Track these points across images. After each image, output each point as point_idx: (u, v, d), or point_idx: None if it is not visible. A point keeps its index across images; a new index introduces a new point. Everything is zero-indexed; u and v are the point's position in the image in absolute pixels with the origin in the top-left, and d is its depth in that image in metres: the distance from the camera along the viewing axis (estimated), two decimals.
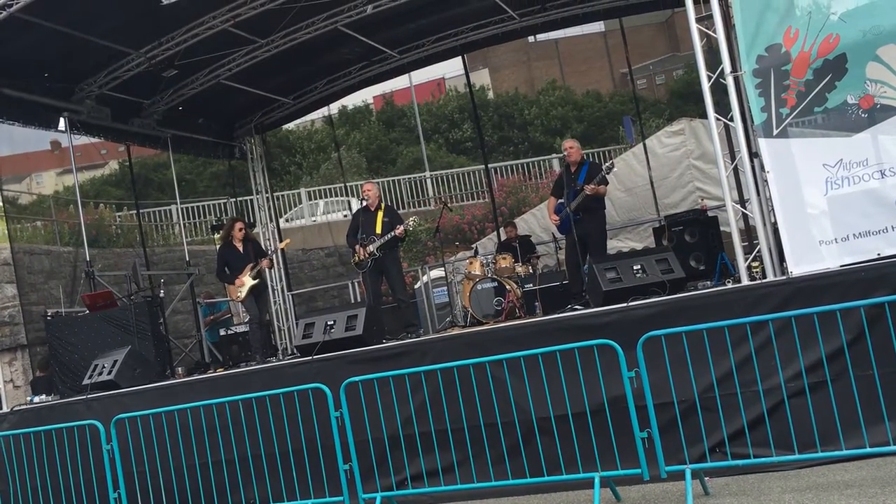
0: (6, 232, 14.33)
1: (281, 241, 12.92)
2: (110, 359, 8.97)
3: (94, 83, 11.24)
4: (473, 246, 13.65)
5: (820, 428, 5.70)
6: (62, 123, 11.54)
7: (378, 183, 11.12)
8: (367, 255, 9.53)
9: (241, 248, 10.08)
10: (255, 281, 9.93)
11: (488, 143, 27.68)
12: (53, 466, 7.77)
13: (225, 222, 11.57)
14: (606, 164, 9.39)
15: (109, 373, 8.76)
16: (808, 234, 6.60)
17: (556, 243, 11.30)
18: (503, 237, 12.81)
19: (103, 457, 7.13)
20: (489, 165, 17.42)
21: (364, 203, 9.85)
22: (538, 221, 14.08)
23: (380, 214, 9.65)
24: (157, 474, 7.42)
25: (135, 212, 16.77)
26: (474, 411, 6.66)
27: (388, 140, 30.90)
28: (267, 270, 11.12)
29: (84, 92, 11.31)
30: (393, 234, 9.43)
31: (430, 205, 21.46)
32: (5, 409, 8.91)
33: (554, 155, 23.50)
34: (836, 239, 6.54)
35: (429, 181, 22.81)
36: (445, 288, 12.92)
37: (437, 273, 13.40)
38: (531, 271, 10.68)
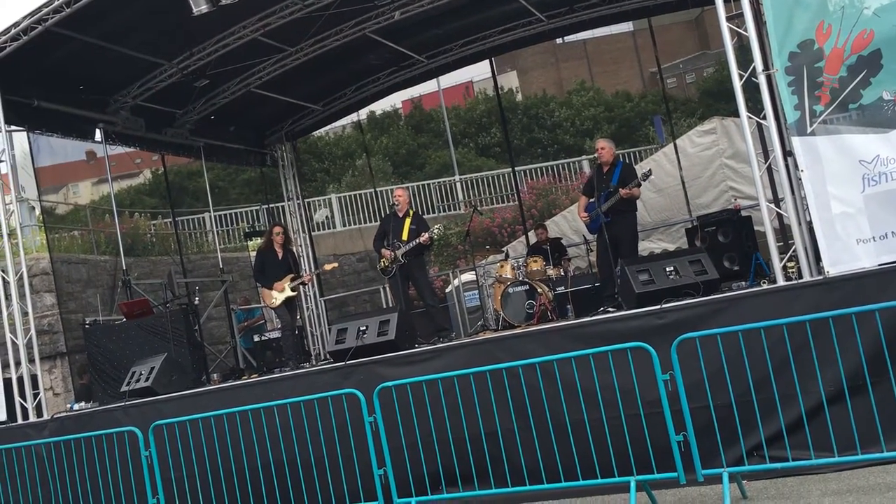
0: (45, 242, 14.60)
1: (315, 250, 13.01)
2: (147, 366, 9.10)
3: (128, 94, 11.43)
4: (504, 249, 13.63)
5: (860, 430, 5.60)
6: (98, 134, 11.75)
7: (408, 188, 11.22)
8: (391, 262, 9.60)
9: (279, 255, 10.19)
10: (294, 293, 10.07)
11: (518, 146, 27.59)
12: (93, 473, 7.88)
13: (258, 228, 11.72)
14: (644, 171, 9.31)
15: (147, 380, 8.88)
16: (844, 232, 6.50)
17: (587, 245, 11.25)
18: (534, 240, 12.77)
19: (142, 463, 7.24)
20: (517, 168, 17.39)
21: (395, 208, 9.93)
22: (569, 223, 14.03)
23: (407, 221, 9.74)
24: (195, 480, 7.50)
25: (170, 220, 17.01)
26: (507, 415, 6.65)
27: (417, 144, 30.95)
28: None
29: (119, 103, 11.50)
30: (418, 241, 9.48)
31: (459, 209, 21.46)
32: (46, 417, 9.07)
33: (584, 157, 23.37)
34: (873, 237, 6.43)
35: (458, 185, 22.81)
36: (476, 292, 12.90)
37: (468, 277, 13.40)
38: (563, 274, 10.63)
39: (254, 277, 10.83)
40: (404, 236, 9.61)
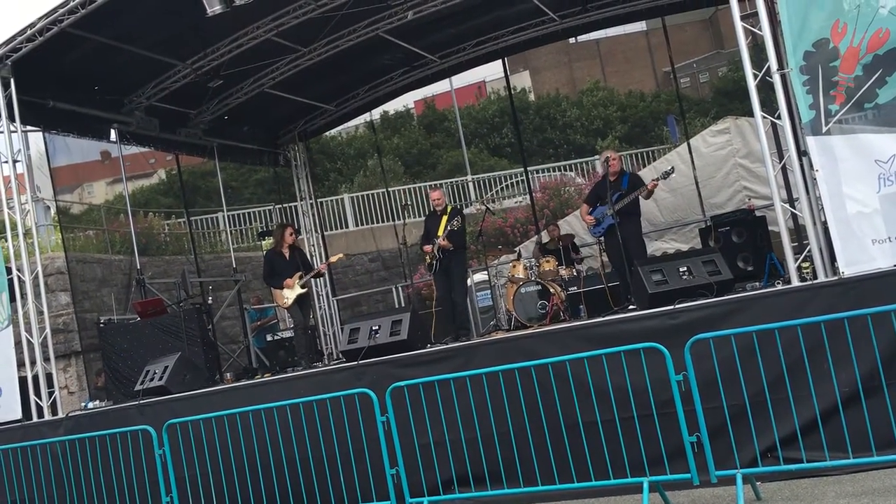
0: (60, 241, 14.71)
1: (327, 250, 13.02)
2: (161, 365, 9.14)
3: (142, 95, 11.48)
4: (516, 249, 13.61)
5: (875, 431, 5.56)
6: (113, 134, 11.81)
7: (442, 186, 11.45)
8: (431, 258, 9.91)
9: (287, 255, 10.22)
10: (304, 290, 10.10)
11: (530, 146, 27.57)
12: (108, 471, 7.94)
13: (271, 228, 11.74)
14: (666, 169, 9.36)
15: (160, 378, 8.92)
16: (859, 232, 6.46)
17: (599, 245, 11.21)
18: (546, 239, 12.75)
19: (156, 461, 7.28)
20: (528, 168, 17.38)
21: (434, 208, 10.29)
22: (581, 223, 13.98)
23: (444, 218, 10.01)
24: (208, 478, 7.53)
25: (183, 220, 17.08)
26: (520, 415, 6.64)
27: (430, 144, 30.96)
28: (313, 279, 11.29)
29: (133, 104, 11.57)
30: (449, 229, 9.75)
31: (472, 208, 21.46)
32: (60, 415, 9.13)
33: (596, 157, 23.31)
34: (889, 238, 6.38)
35: (470, 185, 22.82)
36: (489, 291, 12.90)
37: (480, 276, 13.40)
38: (575, 274, 10.61)
39: (264, 280, 10.84)
40: (440, 232, 9.91)
